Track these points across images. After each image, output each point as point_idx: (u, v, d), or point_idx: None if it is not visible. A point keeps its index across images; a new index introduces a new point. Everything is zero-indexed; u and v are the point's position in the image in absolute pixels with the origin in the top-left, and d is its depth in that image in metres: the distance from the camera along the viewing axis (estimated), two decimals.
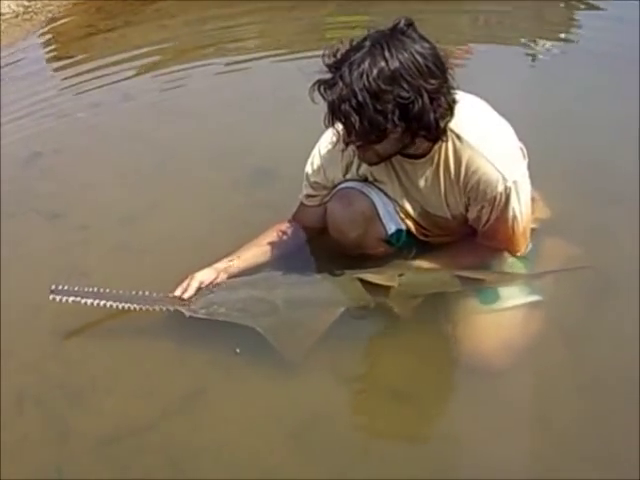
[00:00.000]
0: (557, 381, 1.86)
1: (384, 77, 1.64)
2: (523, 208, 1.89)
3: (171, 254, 2.36)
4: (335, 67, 1.70)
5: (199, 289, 1.98)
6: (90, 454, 1.78)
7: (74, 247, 2.50)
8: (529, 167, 1.92)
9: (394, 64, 1.64)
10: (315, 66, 1.75)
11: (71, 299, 1.96)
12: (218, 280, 2.00)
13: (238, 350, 1.93)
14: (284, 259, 2.11)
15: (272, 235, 2.11)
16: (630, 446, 1.66)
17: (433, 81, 1.68)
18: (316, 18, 4.43)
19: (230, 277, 2.03)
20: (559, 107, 2.96)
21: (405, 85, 1.65)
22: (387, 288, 1.93)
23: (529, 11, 4.27)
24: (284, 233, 2.12)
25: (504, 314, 1.93)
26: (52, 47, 4.46)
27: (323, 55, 1.73)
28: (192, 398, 1.90)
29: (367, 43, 1.68)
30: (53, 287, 1.98)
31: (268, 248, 2.09)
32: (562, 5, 4.35)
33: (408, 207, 2.01)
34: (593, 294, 2.04)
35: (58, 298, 1.96)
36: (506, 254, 1.99)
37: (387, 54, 1.65)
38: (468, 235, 2.02)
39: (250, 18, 4.55)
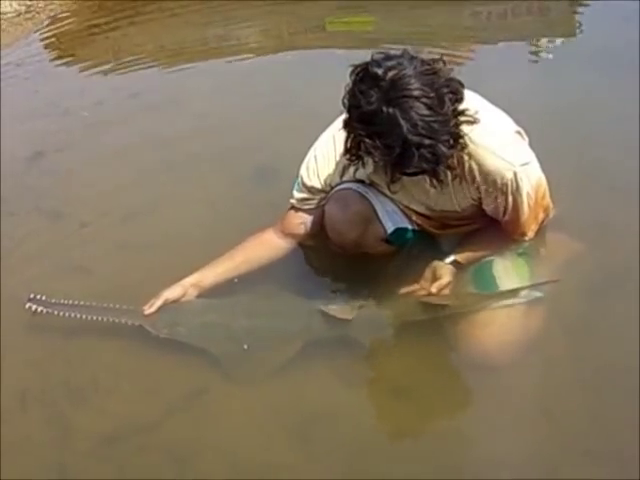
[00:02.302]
0: (558, 376, 1.85)
1: (432, 105, 1.60)
2: (535, 186, 1.88)
3: (173, 252, 2.36)
4: (391, 142, 1.61)
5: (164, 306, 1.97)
6: (92, 453, 1.78)
7: (76, 245, 2.50)
8: None
9: (426, 92, 1.59)
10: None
11: (45, 310, 2.00)
12: (187, 296, 2.00)
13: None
14: (258, 273, 2.09)
15: (249, 247, 2.10)
16: (632, 440, 1.65)
17: (445, 68, 1.67)
18: (317, 16, 4.43)
19: (201, 292, 2.02)
20: (561, 104, 2.95)
21: (446, 90, 1.63)
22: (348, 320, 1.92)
23: (532, 9, 4.26)
24: (262, 244, 2.11)
25: (505, 310, 1.92)
26: (54, 46, 4.47)
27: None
28: (195, 397, 1.90)
29: (387, 109, 1.58)
30: (32, 296, 2.02)
31: (242, 261, 2.07)
32: (565, 3, 4.34)
33: (412, 206, 2.02)
34: (594, 289, 2.04)
35: (34, 307, 2.00)
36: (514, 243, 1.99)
37: (410, 93, 1.58)
38: (484, 221, 2.01)
39: (252, 16, 4.56)
